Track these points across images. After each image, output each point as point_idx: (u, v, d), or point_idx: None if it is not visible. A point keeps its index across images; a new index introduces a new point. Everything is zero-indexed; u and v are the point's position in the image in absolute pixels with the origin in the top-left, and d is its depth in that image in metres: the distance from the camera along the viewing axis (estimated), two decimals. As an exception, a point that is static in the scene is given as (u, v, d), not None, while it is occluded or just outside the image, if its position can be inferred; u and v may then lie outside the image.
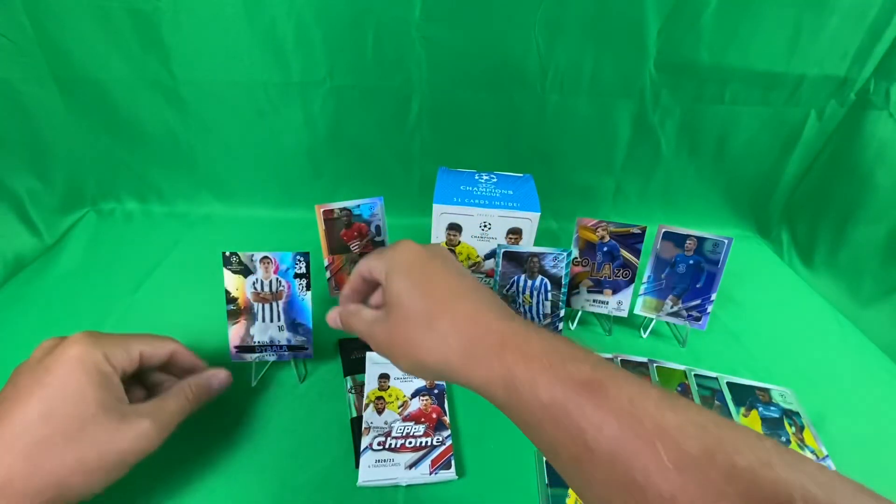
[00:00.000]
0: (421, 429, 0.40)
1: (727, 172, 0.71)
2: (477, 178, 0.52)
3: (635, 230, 0.50)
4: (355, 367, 0.46)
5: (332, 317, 0.37)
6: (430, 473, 0.37)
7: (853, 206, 0.61)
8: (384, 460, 0.38)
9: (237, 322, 0.43)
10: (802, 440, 0.43)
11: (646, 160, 0.70)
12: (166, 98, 0.63)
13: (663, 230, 0.50)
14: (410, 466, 0.38)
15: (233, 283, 0.42)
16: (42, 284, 0.57)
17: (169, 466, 0.37)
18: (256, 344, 0.44)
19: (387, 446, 0.39)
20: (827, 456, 0.41)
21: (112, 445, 0.29)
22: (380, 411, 0.41)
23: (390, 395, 0.43)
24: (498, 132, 0.67)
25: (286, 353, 0.44)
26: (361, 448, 0.39)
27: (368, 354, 0.47)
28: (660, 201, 0.73)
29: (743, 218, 0.76)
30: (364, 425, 0.40)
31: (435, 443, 0.39)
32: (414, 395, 0.43)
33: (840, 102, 0.63)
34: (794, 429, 0.44)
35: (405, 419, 0.41)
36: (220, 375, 0.38)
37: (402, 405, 0.42)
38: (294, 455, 0.39)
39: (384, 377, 0.44)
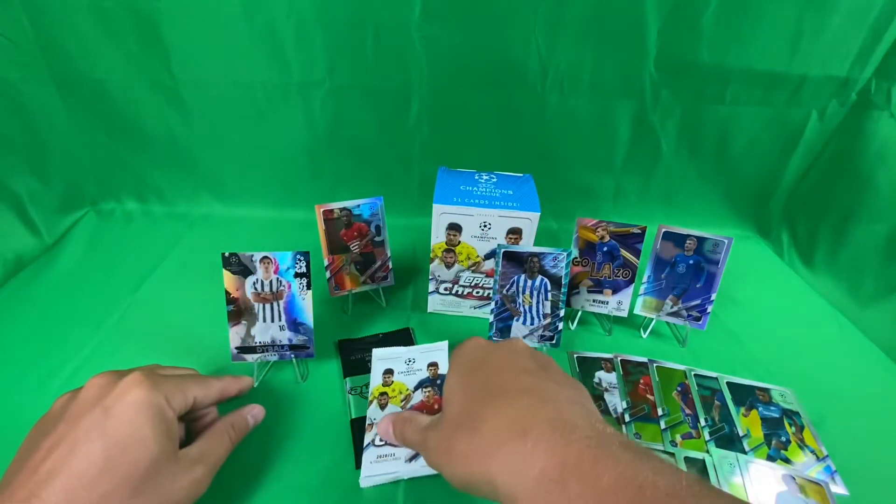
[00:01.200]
0: None
1: (727, 172, 0.71)
2: (477, 178, 0.52)
3: (635, 230, 0.50)
4: (354, 368, 0.46)
5: (384, 427, 0.35)
6: None
7: (853, 206, 0.61)
8: (385, 455, 0.37)
9: (238, 323, 0.43)
10: (802, 440, 0.43)
11: (646, 160, 0.70)
12: (166, 98, 0.63)
13: (663, 230, 0.50)
14: (410, 459, 0.37)
15: (233, 284, 0.42)
16: (42, 284, 0.57)
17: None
18: (258, 344, 0.44)
19: (388, 441, 0.38)
20: (827, 456, 0.41)
21: (172, 495, 0.29)
22: (383, 406, 0.41)
23: (393, 390, 0.43)
24: (498, 132, 0.67)
25: (288, 352, 0.44)
26: (364, 445, 0.38)
27: (374, 351, 0.46)
28: (660, 201, 0.73)
29: (743, 218, 0.76)
30: (368, 422, 0.40)
31: None
32: (417, 388, 0.42)
33: (841, 102, 0.63)
34: (794, 429, 0.44)
35: None
36: (255, 411, 0.38)
37: (404, 398, 0.42)
38: (295, 455, 0.39)
39: (388, 372, 0.44)
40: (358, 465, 0.38)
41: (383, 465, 0.37)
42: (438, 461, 0.28)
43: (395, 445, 0.38)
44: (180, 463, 0.30)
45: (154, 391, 0.29)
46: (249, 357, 0.44)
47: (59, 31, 0.57)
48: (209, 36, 0.58)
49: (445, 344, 0.46)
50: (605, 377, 0.48)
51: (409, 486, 0.37)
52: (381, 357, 0.46)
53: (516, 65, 0.61)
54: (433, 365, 0.44)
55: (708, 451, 0.41)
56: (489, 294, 0.52)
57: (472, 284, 0.52)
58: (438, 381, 0.43)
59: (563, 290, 0.46)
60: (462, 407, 0.27)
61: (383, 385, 0.43)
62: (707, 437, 0.42)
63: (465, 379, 0.29)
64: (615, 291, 0.52)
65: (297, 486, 0.37)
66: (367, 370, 0.46)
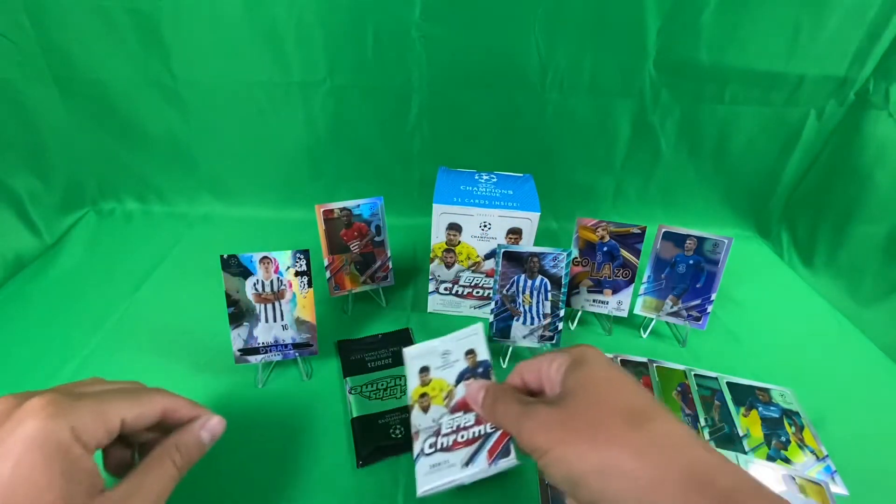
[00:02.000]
0: (472, 417, 0.35)
1: (727, 172, 0.71)
2: (477, 178, 0.52)
3: (635, 230, 0.50)
4: (354, 368, 0.47)
5: (474, 392, 0.32)
6: (490, 465, 0.32)
7: (853, 206, 0.61)
8: (438, 463, 0.33)
9: (239, 325, 0.43)
10: (802, 440, 0.43)
11: (646, 160, 0.70)
12: (166, 98, 0.63)
13: (663, 230, 0.50)
14: (467, 463, 0.33)
15: (233, 286, 0.42)
16: (42, 284, 0.57)
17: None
18: (261, 345, 0.44)
19: (439, 447, 0.34)
20: (827, 456, 0.41)
21: None
22: (425, 409, 0.37)
23: (433, 388, 0.38)
24: (498, 132, 0.67)
25: (291, 350, 0.44)
26: (414, 455, 0.35)
27: (405, 351, 0.41)
28: (660, 201, 0.73)
29: (743, 218, 0.76)
30: (413, 429, 0.36)
31: (489, 429, 0.33)
32: (458, 381, 0.37)
33: (840, 102, 0.63)
34: (793, 429, 0.44)
35: (453, 410, 0.36)
36: (210, 425, 0.30)
37: (447, 395, 0.37)
38: (297, 454, 0.39)
39: (424, 370, 0.39)
40: (360, 463, 0.39)
41: (439, 473, 0.33)
42: (553, 438, 0.25)
43: (447, 450, 0.34)
44: None
45: (55, 421, 0.23)
46: (252, 358, 0.44)
47: (59, 31, 0.57)
48: (210, 36, 0.58)
49: (480, 326, 0.40)
50: (605, 377, 0.48)
51: (409, 486, 0.38)
52: (414, 355, 0.40)
53: (516, 65, 0.61)
54: (471, 353, 0.39)
55: (708, 451, 0.41)
56: (489, 294, 0.52)
57: (472, 284, 0.52)
58: (479, 370, 0.37)
59: (563, 290, 0.46)
60: (624, 398, 0.25)
61: (422, 385, 0.38)
62: (707, 437, 0.42)
63: (618, 376, 0.26)
64: (615, 291, 0.52)
65: (300, 484, 0.37)
66: (367, 370, 0.46)
